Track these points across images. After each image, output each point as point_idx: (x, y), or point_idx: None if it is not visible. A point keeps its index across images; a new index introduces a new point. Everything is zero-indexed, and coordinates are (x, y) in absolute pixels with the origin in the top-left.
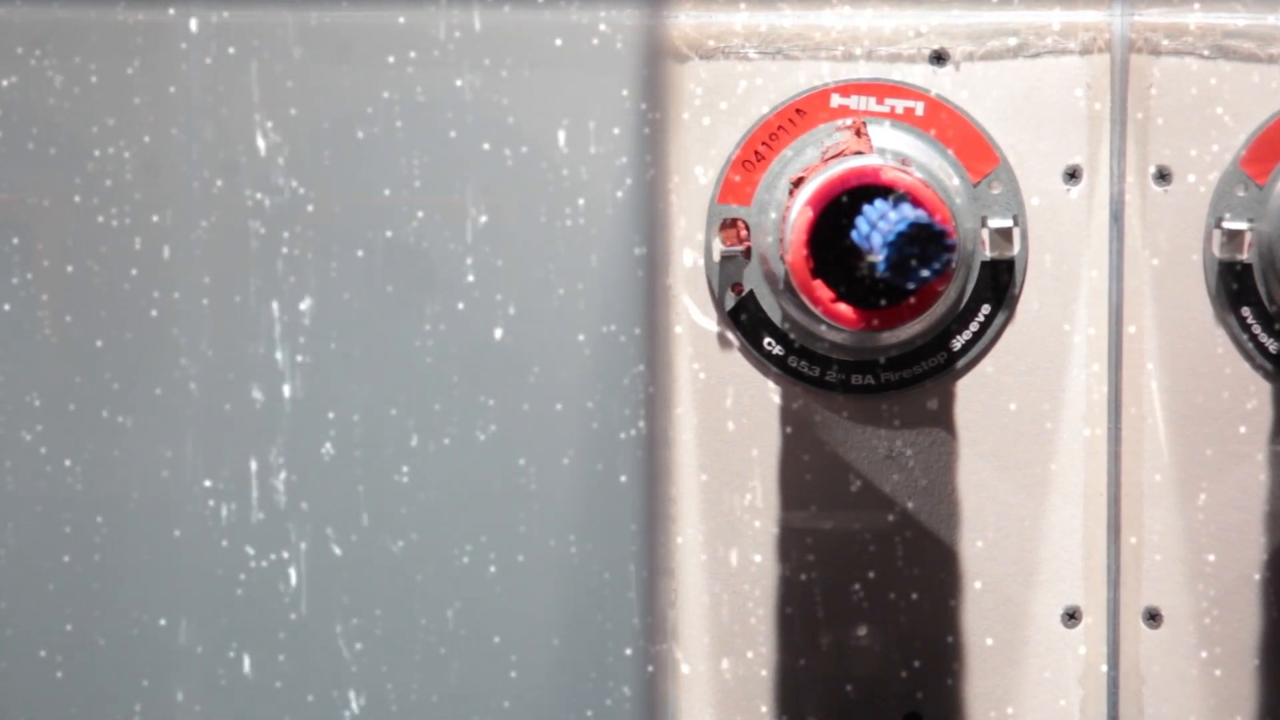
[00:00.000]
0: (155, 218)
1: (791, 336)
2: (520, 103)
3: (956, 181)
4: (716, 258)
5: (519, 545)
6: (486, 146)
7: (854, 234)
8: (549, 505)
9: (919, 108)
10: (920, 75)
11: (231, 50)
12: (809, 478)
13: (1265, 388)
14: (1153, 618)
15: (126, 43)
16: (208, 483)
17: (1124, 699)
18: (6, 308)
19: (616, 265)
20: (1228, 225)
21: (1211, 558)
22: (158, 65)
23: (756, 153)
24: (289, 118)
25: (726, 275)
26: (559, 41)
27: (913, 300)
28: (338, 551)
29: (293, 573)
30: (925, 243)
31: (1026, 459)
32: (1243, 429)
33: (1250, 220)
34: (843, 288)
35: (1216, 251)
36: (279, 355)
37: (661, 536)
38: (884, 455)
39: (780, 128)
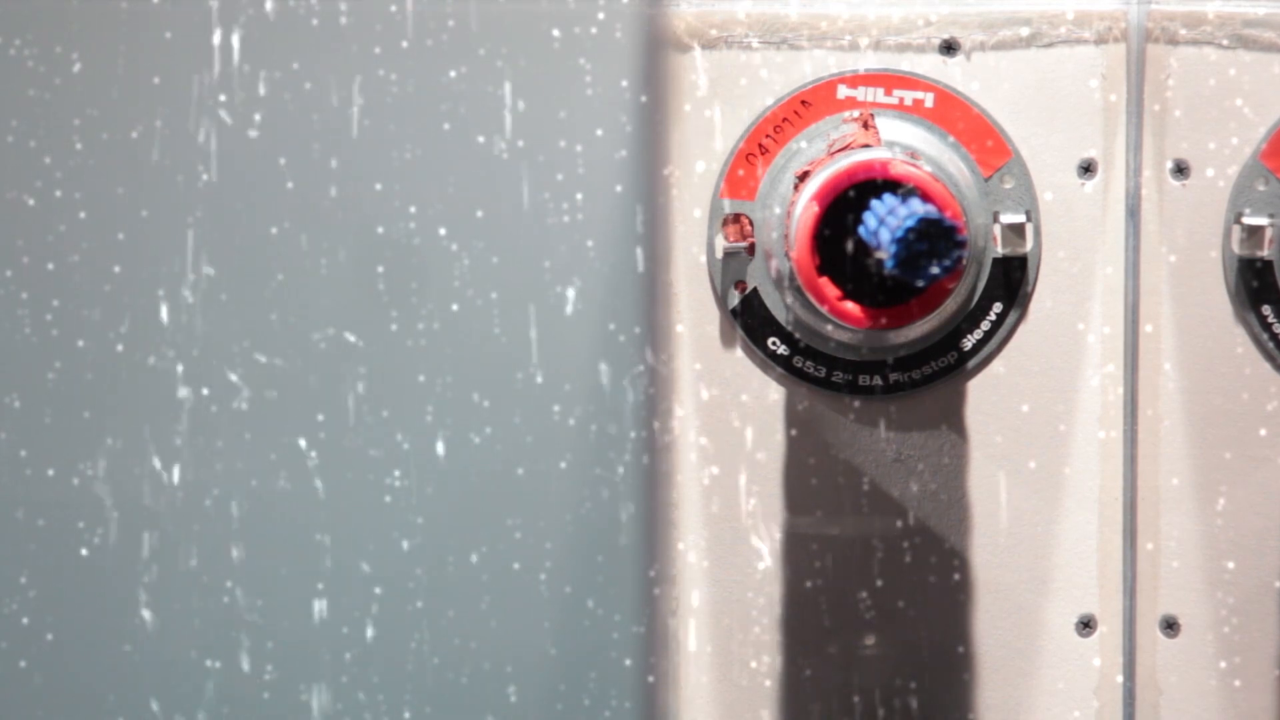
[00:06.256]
0: (140, 213)
1: (797, 336)
2: (516, 94)
3: (967, 175)
4: (719, 254)
5: (515, 552)
6: (481, 139)
7: (861, 230)
8: (546, 510)
9: (928, 99)
10: (930, 66)
11: (217, 40)
12: (814, 482)
13: None
14: (1170, 627)
15: (109, 32)
16: (193, 486)
17: (1140, 711)
18: None
19: (616, 262)
20: (1248, 221)
21: (1231, 565)
22: (141, 55)
23: (760, 146)
24: (277, 110)
25: (730, 272)
26: (556, 31)
27: (922, 298)
28: (328, 559)
29: (282, 580)
30: (935, 239)
31: (1039, 462)
32: (1263, 431)
33: (1271, 215)
34: (849, 285)
35: (1236, 248)
36: (267, 355)
37: (662, 542)
38: (892, 459)
39: (785, 120)
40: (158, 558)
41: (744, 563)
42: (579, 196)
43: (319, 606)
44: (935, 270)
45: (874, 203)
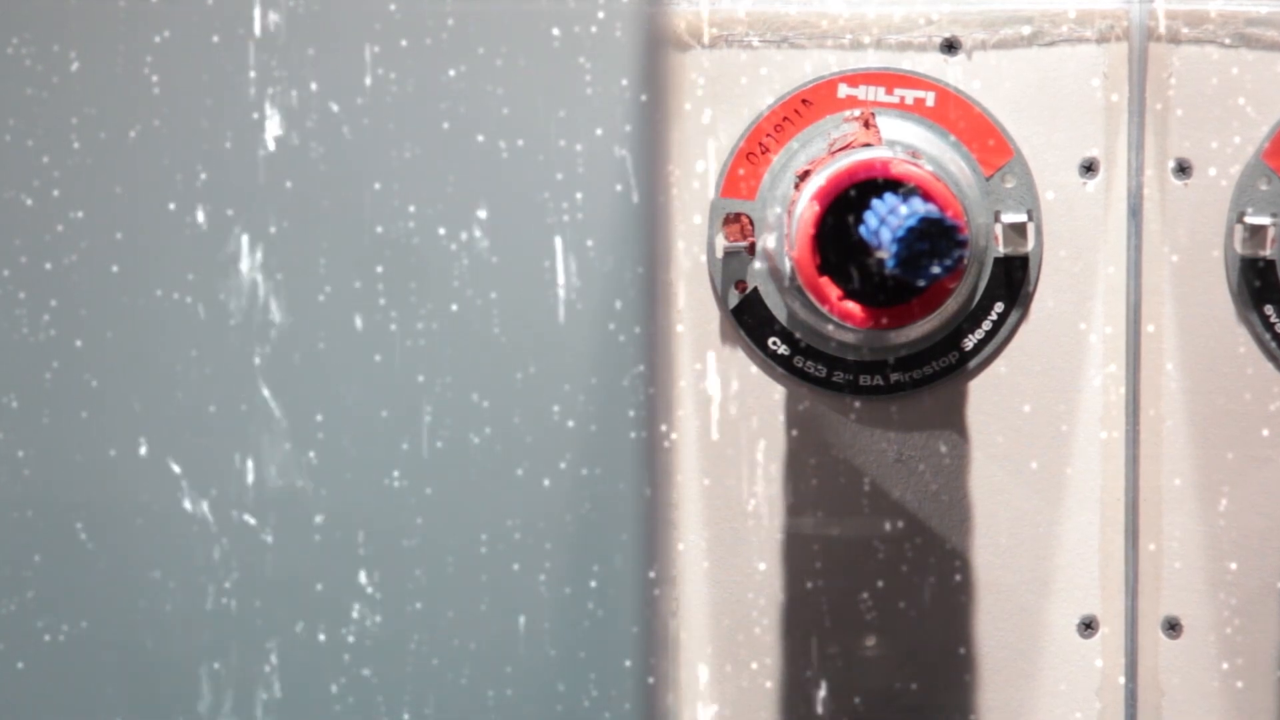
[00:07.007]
0: (137, 212)
1: (797, 336)
2: (515, 93)
3: (968, 175)
4: (719, 254)
5: (513, 552)
6: (481, 139)
7: (862, 229)
8: (545, 511)
9: (929, 98)
10: (931, 64)
11: (215, 39)
12: (815, 482)
13: None
14: (1172, 628)
15: (107, 31)
16: (191, 487)
17: (1142, 712)
18: None
19: (615, 262)
20: (1250, 220)
21: (1233, 565)
22: (140, 54)
23: (761, 145)
24: (275, 109)
25: (730, 272)
26: (555, 30)
27: (923, 298)
28: (325, 560)
29: (280, 580)
30: (936, 238)
31: (1041, 463)
32: (1265, 431)
33: (1273, 215)
34: (850, 285)
35: (1238, 247)
36: (265, 355)
37: (662, 543)
38: (893, 459)
39: (785, 119)
40: (156, 558)
41: (744, 563)
42: (579, 196)
43: (318, 607)
44: (936, 270)
45: (875, 202)
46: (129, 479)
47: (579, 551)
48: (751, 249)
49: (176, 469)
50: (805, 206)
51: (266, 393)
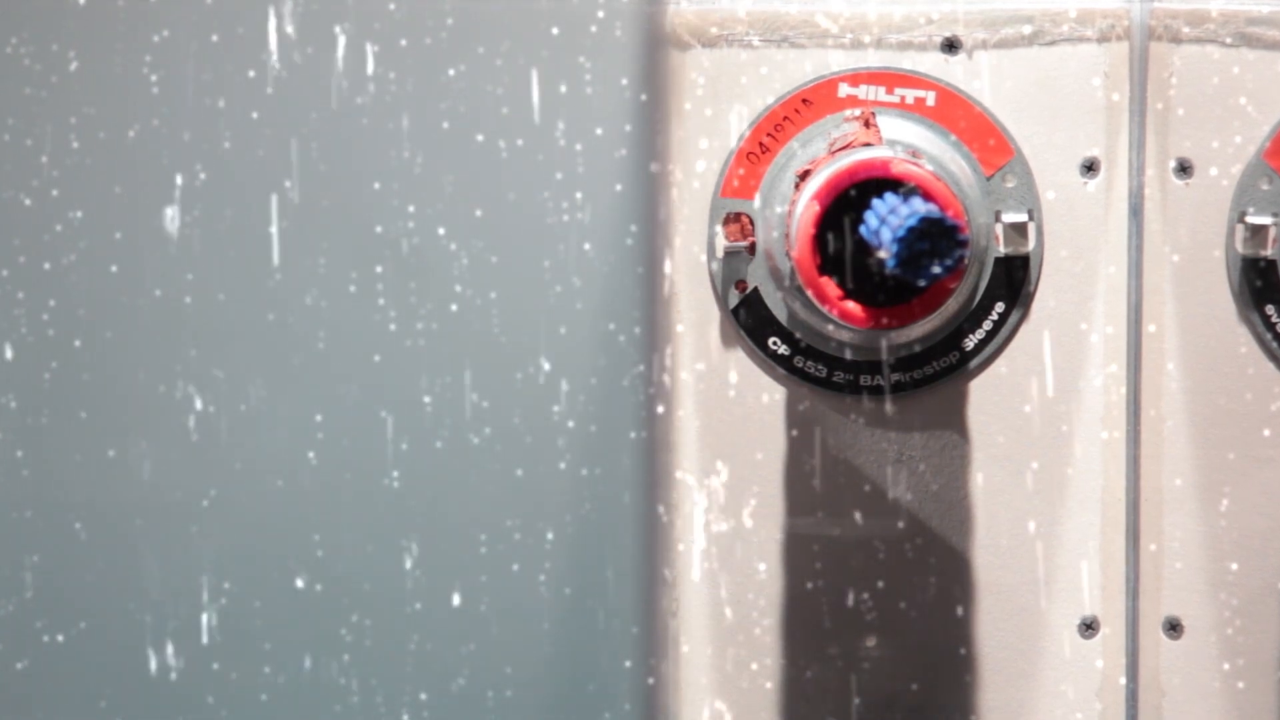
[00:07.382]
0: (136, 212)
1: (797, 336)
2: (515, 93)
3: (969, 174)
4: (720, 254)
5: (513, 552)
6: (480, 138)
7: (863, 229)
8: (545, 511)
9: (930, 98)
10: (931, 64)
11: (215, 38)
12: (815, 482)
13: None
14: (1173, 628)
15: (106, 31)
16: (191, 487)
17: (1143, 713)
18: None
19: (615, 262)
20: (1251, 220)
21: (1234, 566)
22: (138, 53)
23: (761, 145)
24: (274, 108)
25: (730, 272)
26: (555, 29)
27: (923, 298)
28: (324, 560)
29: (276, 583)
30: (937, 238)
31: (1041, 463)
32: (1267, 432)
33: (1275, 214)
34: (851, 285)
35: (1239, 247)
36: (265, 355)
37: (662, 543)
38: (893, 459)
39: (786, 118)
40: (155, 559)
41: (744, 563)
42: (579, 196)
43: (317, 608)
44: (937, 270)
45: (875, 202)
46: (129, 479)
47: (579, 551)
48: (752, 249)
49: (176, 469)
50: (805, 206)
51: (266, 392)
